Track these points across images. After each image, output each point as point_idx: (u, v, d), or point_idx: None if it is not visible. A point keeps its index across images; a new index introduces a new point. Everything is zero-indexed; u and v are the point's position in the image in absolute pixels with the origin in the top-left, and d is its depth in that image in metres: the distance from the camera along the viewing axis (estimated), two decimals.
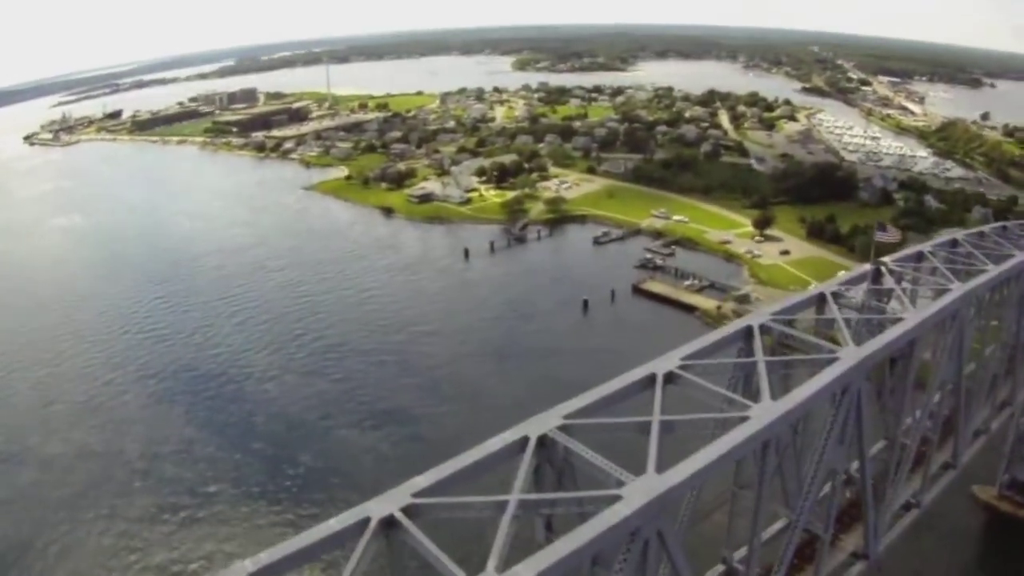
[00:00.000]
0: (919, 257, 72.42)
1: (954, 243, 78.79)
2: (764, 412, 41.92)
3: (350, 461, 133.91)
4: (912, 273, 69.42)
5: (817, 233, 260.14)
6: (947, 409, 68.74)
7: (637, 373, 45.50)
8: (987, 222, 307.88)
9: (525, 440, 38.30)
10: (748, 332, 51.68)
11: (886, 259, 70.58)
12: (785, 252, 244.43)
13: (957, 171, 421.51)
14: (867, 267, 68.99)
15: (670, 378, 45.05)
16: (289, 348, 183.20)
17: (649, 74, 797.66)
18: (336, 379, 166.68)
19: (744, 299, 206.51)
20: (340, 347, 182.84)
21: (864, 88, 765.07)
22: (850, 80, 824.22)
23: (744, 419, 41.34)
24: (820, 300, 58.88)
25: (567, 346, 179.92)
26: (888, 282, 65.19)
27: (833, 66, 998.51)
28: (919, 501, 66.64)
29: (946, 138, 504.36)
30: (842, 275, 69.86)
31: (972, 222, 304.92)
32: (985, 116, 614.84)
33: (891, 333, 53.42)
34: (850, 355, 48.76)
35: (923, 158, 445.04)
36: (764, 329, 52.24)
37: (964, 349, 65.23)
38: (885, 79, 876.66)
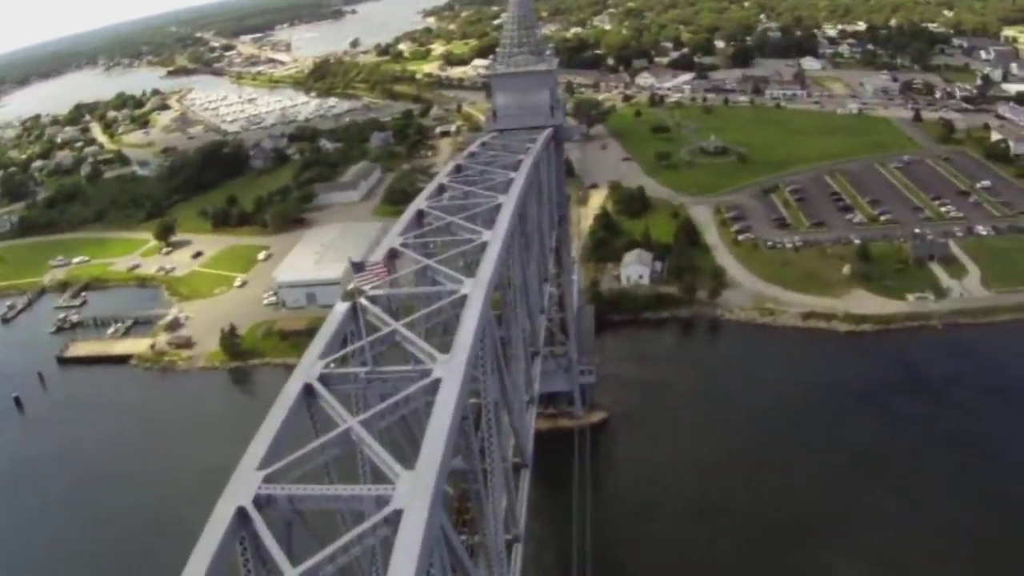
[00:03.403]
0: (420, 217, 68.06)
1: (441, 189, 76.38)
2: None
3: None
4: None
5: (223, 221, 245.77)
6: None
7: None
8: (388, 144, 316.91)
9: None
10: (309, 390, 40.46)
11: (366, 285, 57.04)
12: (198, 254, 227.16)
13: (343, 105, 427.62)
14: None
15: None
16: None
17: (15, 107, 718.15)
18: None
19: (175, 325, 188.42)
20: None
21: (228, 53, 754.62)
22: (213, 50, 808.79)
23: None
24: (353, 311, 47.74)
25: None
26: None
27: (194, 41, 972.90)
28: None
29: (323, 76, 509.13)
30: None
31: (372, 151, 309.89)
32: (355, 43, 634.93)
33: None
34: (443, 365, 40.91)
35: (305, 104, 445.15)
36: (324, 379, 41.33)
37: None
38: (247, 38, 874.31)
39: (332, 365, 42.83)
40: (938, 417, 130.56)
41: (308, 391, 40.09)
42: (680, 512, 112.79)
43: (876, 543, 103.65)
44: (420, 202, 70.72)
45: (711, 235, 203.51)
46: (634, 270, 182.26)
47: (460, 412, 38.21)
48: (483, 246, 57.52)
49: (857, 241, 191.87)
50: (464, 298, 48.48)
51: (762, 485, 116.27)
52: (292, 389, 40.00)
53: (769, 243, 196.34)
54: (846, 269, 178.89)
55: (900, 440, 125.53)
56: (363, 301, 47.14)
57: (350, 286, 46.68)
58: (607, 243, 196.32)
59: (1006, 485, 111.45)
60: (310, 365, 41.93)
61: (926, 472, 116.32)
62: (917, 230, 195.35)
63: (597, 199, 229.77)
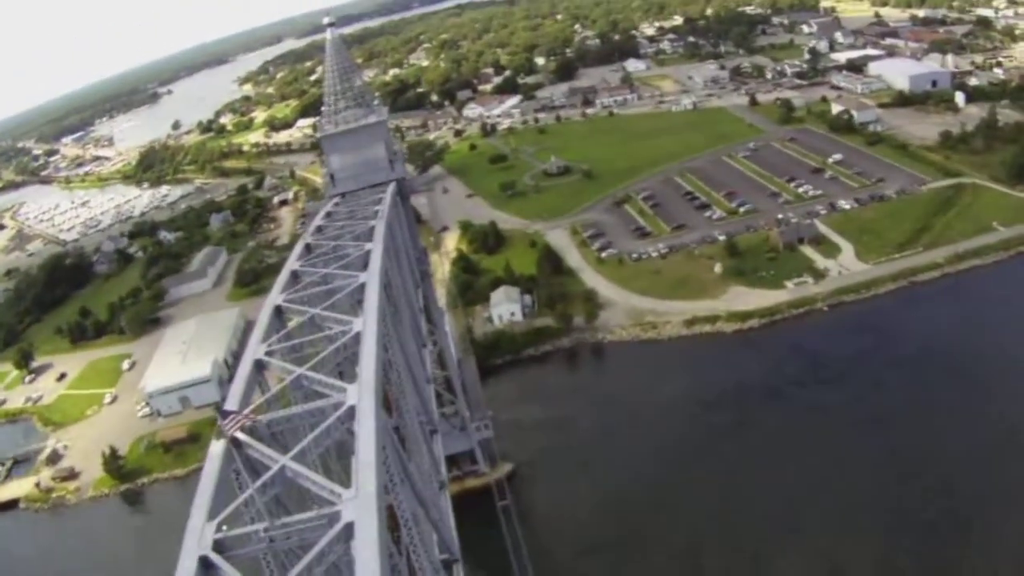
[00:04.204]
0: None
1: (295, 276, 72.15)
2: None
3: None
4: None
5: (80, 335, 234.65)
6: None
7: None
8: (228, 223, 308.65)
9: None
10: (206, 563, 34.98)
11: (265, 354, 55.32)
12: (62, 376, 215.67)
13: (177, 192, 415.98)
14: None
15: None
16: None
17: None
18: None
19: (55, 457, 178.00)
20: None
21: (52, 158, 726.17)
22: (37, 158, 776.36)
23: None
24: (232, 448, 42.34)
25: None
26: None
27: (16, 152, 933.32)
28: None
29: (150, 166, 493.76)
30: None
31: (214, 234, 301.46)
32: (176, 125, 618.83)
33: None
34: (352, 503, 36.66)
35: (138, 198, 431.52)
36: (220, 546, 35.87)
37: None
38: (69, 139, 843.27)
39: (224, 528, 36.83)
40: (846, 401, 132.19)
41: (205, 564, 34.53)
42: (605, 546, 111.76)
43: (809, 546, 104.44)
44: (275, 297, 65.21)
45: (573, 257, 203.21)
46: (504, 308, 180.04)
47: (386, 555, 34.31)
48: (357, 337, 54.03)
49: (722, 237, 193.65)
50: (352, 409, 43.96)
51: (677, 508, 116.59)
52: (187, 568, 34.44)
53: (634, 255, 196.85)
54: (718, 268, 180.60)
55: (813, 433, 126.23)
56: (240, 435, 42.43)
57: (218, 429, 43.26)
58: (471, 285, 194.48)
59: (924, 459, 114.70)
60: (199, 532, 36.23)
61: (849, 467, 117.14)
62: (780, 216, 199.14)
63: (451, 241, 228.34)
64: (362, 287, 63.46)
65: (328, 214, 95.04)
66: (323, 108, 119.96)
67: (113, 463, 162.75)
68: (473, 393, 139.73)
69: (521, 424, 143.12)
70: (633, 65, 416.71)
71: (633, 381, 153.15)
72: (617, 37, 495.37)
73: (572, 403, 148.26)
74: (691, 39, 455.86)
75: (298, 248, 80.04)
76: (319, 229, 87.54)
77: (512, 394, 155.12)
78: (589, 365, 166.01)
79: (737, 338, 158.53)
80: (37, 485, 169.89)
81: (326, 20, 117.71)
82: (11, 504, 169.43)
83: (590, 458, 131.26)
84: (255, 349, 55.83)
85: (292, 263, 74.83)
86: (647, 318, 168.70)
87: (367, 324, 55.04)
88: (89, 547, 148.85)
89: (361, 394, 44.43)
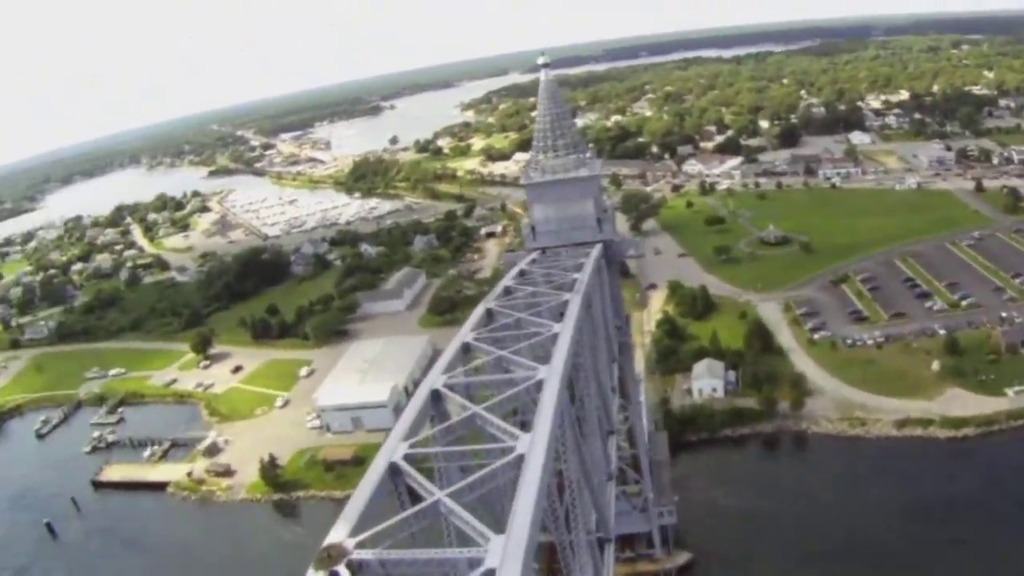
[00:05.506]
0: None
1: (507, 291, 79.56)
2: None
3: None
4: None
5: (263, 332, 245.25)
6: None
7: None
8: (432, 247, 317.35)
9: None
10: (394, 469, 44.49)
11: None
12: (238, 369, 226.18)
13: (385, 206, 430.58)
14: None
15: None
16: None
17: (58, 206, 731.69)
18: None
19: (213, 450, 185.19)
20: None
21: (268, 152, 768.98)
22: (253, 149, 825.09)
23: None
24: (435, 397, 53.92)
25: None
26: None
27: (235, 140, 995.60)
28: None
29: (363, 176, 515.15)
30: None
31: (416, 255, 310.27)
32: (394, 140, 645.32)
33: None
34: (525, 442, 45.01)
35: (346, 206, 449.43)
36: (409, 458, 45.39)
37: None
38: (287, 136, 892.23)
39: (416, 447, 46.48)
40: None
41: (394, 470, 43.84)
42: None
43: None
44: (466, 333, 67.79)
45: (784, 335, 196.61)
46: (706, 383, 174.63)
47: (545, 485, 41.27)
48: (539, 385, 55.46)
49: (942, 332, 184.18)
50: (540, 383, 52.50)
51: None
52: (378, 466, 43.82)
53: (848, 340, 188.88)
54: (935, 365, 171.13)
55: None
56: (442, 389, 53.63)
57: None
58: (674, 352, 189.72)
59: None
60: (394, 446, 45.76)
61: None
62: (1004, 314, 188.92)
63: (657, 301, 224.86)
64: (554, 337, 63.96)
65: (521, 272, 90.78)
66: (531, 153, 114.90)
67: (270, 471, 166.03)
68: (661, 475, 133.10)
69: (708, 511, 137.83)
70: (858, 137, 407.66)
71: (835, 479, 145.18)
72: (842, 107, 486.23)
73: (767, 495, 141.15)
74: (917, 116, 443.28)
75: (498, 288, 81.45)
76: (506, 292, 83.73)
77: (703, 476, 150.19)
78: (789, 455, 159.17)
79: (951, 446, 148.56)
80: (189, 474, 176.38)
81: (540, 60, 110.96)
82: (160, 486, 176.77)
83: (779, 559, 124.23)
84: (435, 379, 57.22)
85: (489, 301, 76.47)
86: (856, 412, 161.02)
87: (552, 373, 55.52)
88: (229, 545, 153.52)
89: (533, 444, 44.98)
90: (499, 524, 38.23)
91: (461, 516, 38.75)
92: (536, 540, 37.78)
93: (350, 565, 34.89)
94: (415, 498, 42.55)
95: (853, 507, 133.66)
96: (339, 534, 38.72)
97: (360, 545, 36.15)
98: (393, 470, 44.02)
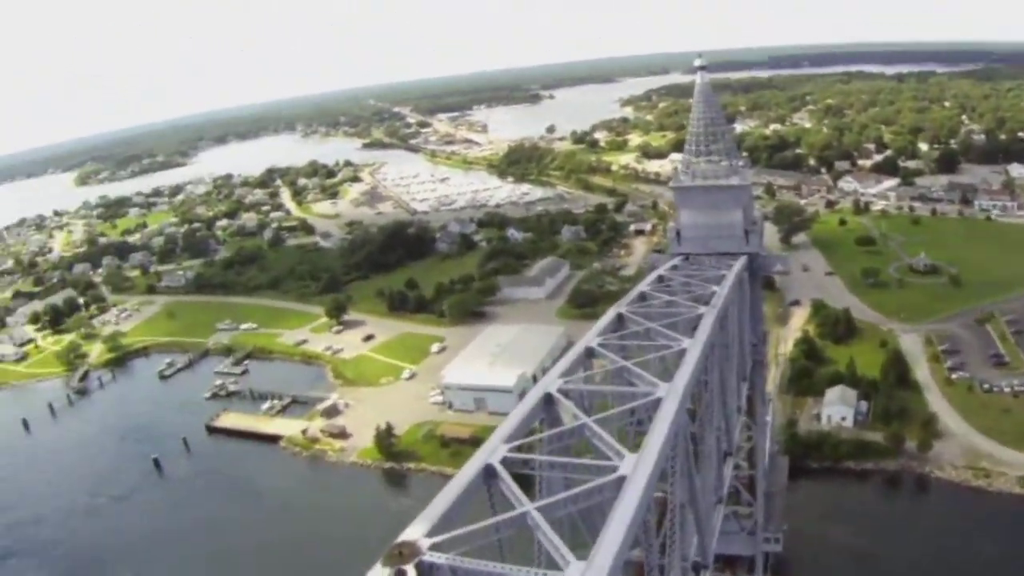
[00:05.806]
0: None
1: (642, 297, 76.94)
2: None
3: None
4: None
5: (400, 305, 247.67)
6: None
7: None
8: (579, 238, 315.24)
9: None
10: (490, 471, 42.92)
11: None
12: (369, 337, 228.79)
13: (536, 193, 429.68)
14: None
15: None
16: None
17: (209, 164, 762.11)
18: None
19: (332, 411, 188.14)
20: None
21: (424, 130, 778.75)
22: (409, 125, 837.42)
23: None
24: (548, 400, 52.73)
25: (141, 537, 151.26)
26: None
27: (391, 115, 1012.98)
28: None
29: (517, 161, 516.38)
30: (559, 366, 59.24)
31: (562, 245, 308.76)
32: (551, 129, 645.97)
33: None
34: (630, 464, 42.78)
35: (498, 189, 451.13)
36: (507, 462, 43.92)
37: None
38: (444, 116, 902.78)
39: (517, 451, 45.18)
40: None
41: (489, 472, 42.17)
42: None
43: None
44: (591, 338, 65.75)
45: (922, 371, 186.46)
46: (837, 410, 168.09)
47: (642, 514, 39.35)
48: (656, 403, 52.77)
49: None
50: (658, 401, 50.20)
51: None
52: (473, 467, 42.35)
53: (985, 385, 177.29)
54: None
55: None
56: (555, 394, 51.81)
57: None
58: (808, 374, 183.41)
59: None
60: (494, 447, 44.47)
61: None
62: None
63: (799, 319, 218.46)
64: (681, 353, 61.31)
65: (660, 278, 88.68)
66: (683, 155, 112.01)
67: (385, 439, 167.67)
68: (776, 501, 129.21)
69: (817, 544, 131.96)
70: (1017, 170, 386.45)
71: (953, 530, 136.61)
72: (1003, 136, 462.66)
73: (882, 536, 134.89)
74: None
75: (633, 292, 78.53)
76: (641, 297, 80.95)
77: (817, 507, 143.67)
78: (909, 497, 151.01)
79: None
80: (304, 431, 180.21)
81: (697, 62, 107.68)
82: (273, 438, 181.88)
83: None
84: (551, 381, 55.61)
85: (622, 305, 73.72)
86: (982, 463, 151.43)
87: (672, 393, 52.63)
88: (334, 504, 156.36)
89: (637, 468, 42.34)
90: (588, 547, 36.40)
91: (547, 534, 36.88)
92: (619, 571, 35.21)
93: (419, 567, 33.36)
94: (506, 505, 40.44)
95: (969, 563, 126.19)
96: (416, 531, 37.16)
97: (435, 547, 34.56)
98: (488, 472, 42.38)
